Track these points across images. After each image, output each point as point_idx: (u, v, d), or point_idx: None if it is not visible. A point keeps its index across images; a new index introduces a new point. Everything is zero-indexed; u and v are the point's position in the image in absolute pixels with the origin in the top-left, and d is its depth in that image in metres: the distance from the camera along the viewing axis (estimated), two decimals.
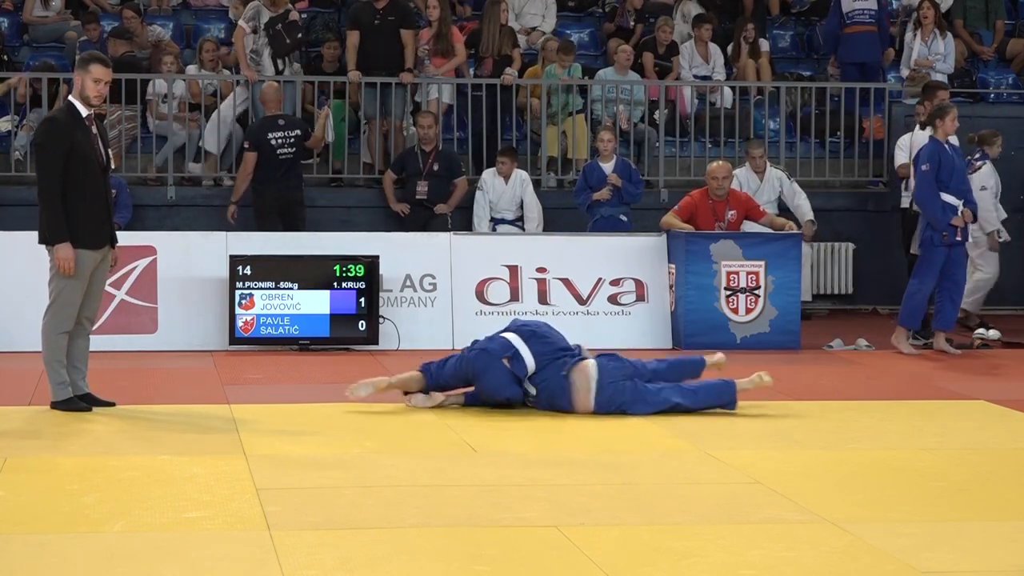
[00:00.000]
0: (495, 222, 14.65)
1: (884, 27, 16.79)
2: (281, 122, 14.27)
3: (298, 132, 14.21)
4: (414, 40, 15.20)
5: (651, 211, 14.71)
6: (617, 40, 16.70)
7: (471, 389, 9.56)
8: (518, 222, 14.67)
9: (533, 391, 9.40)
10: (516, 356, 9.29)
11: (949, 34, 16.87)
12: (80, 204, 9.14)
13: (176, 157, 15.17)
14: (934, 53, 16.59)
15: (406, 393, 9.64)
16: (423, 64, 15.48)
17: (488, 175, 14.73)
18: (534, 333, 9.42)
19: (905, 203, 14.67)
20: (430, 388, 9.55)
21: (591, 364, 9.37)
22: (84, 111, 9.20)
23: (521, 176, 14.71)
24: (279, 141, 14.22)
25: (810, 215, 14.36)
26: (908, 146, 14.78)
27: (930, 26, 16.62)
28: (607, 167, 14.13)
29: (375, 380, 9.62)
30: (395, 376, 9.72)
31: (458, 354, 9.59)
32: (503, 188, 14.64)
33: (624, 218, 14.01)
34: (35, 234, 9.34)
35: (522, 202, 14.68)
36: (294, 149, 14.17)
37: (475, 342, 9.56)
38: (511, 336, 9.39)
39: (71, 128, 9.13)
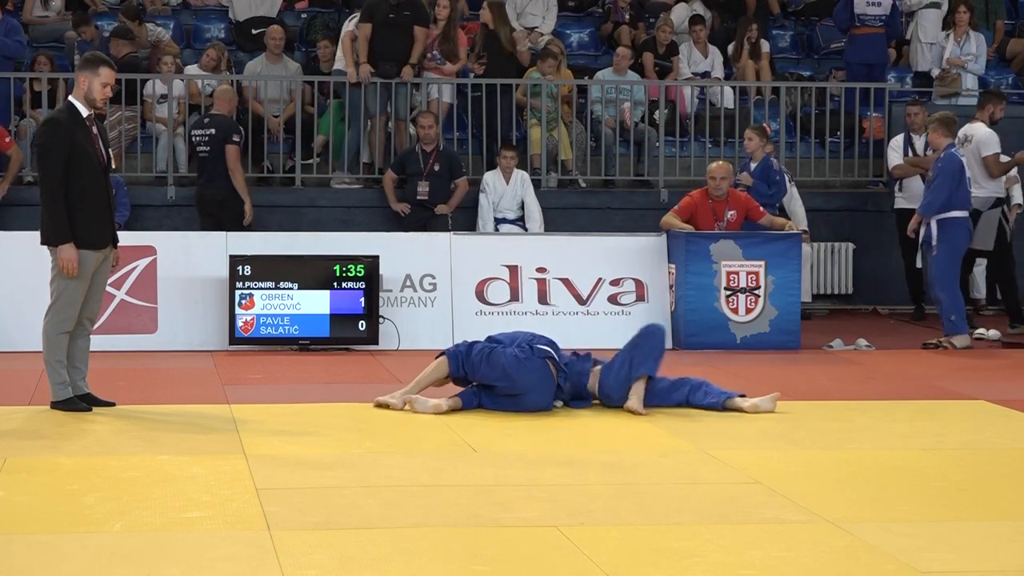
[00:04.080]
0: (497, 222, 14.64)
1: (894, 30, 16.80)
2: (207, 120, 14.22)
3: (213, 131, 14.01)
4: (425, 38, 15.20)
5: (651, 211, 14.71)
6: (625, 46, 16.61)
7: (466, 390, 9.54)
8: (519, 222, 14.67)
9: (559, 404, 9.57)
10: (558, 365, 9.45)
11: (981, 35, 16.90)
12: (82, 204, 9.14)
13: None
14: (966, 53, 16.62)
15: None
16: (434, 63, 15.46)
17: (490, 176, 14.72)
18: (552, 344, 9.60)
19: (900, 204, 14.72)
20: (453, 377, 9.51)
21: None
22: (85, 111, 9.20)
23: (522, 176, 14.71)
24: (197, 138, 14.21)
25: (804, 224, 14.34)
26: (901, 147, 14.82)
27: (964, 26, 16.64)
28: (752, 166, 14.20)
29: (401, 395, 9.54)
30: (418, 377, 9.62)
31: (485, 346, 9.47)
32: (504, 189, 14.64)
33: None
34: (36, 234, 9.34)
35: (523, 203, 14.67)
36: (209, 147, 14.03)
37: (500, 341, 9.52)
38: (550, 349, 9.49)
39: (72, 129, 9.13)
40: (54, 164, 9.08)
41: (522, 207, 14.67)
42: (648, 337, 9.60)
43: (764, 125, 14.97)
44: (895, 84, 16.73)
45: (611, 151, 15.75)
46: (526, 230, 14.54)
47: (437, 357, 9.60)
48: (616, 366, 9.54)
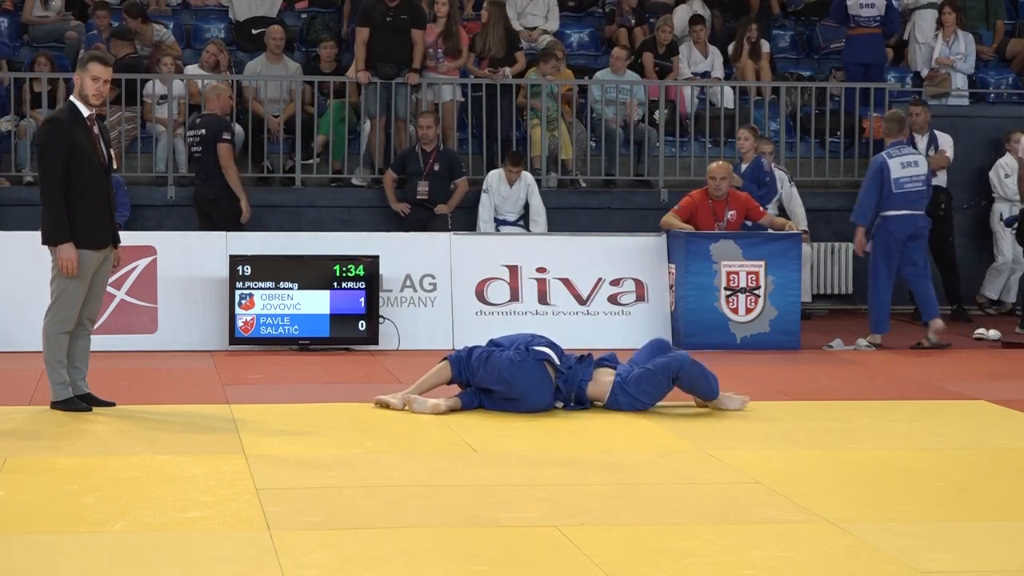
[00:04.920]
0: (497, 223, 14.63)
1: (892, 28, 16.81)
2: (199, 120, 14.24)
3: (204, 131, 14.00)
4: (423, 40, 15.19)
5: (651, 211, 14.71)
6: (621, 47, 16.57)
7: (466, 391, 9.54)
8: (520, 223, 14.65)
9: (560, 405, 9.56)
10: (556, 366, 9.44)
11: (969, 35, 16.92)
12: (82, 204, 9.15)
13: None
14: (955, 53, 16.63)
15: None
16: (435, 63, 15.45)
17: (493, 177, 14.68)
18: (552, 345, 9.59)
19: None
20: (455, 381, 9.53)
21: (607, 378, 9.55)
22: (85, 111, 9.20)
23: (527, 179, 14.68)
24: (190, 139, 14.25)
25: (804, 224, 14.34)
26: None
27: (951, 26, 16.66)
28: (743, 167, 14.21)
29: (402, 395, 9.56)
30: (421, 379, 9.64)
31: (484, 350, 9.48)
32: (508, 191, 14.61)
33: (748, 223, 13.55)
34: (36, 234, 9.34)
35: (526, 204, 14.64)
36: (202, 148, 14.02)
37: (500, 344, 9.53)
38: (547, 350, 9.47)
39: (72, 128, 9.13)
40: (54, 164, 9.08)
41: (524, 208, 14.65)
42: (691, 369, 9.55)
43: (754, 126, 14.97)
44: (895, 84, 16.73)
45: (612, 151, 15.74)
46: (527, 231, 14.54)
47: (440, 361, 9.61)
48: (633, 383, 9.52)
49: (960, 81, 16.72)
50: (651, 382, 9.48)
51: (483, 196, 14.59)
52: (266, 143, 15.41)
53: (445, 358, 9.60)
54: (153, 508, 6.77)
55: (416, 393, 9.52)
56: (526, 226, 14.62)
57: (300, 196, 15.18)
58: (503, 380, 9.34)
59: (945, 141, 15.11)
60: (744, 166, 14.25)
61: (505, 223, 14.62)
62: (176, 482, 7.34)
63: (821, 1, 18.28)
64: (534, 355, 9.39)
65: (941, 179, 15.12)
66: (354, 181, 15.25)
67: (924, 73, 16.82)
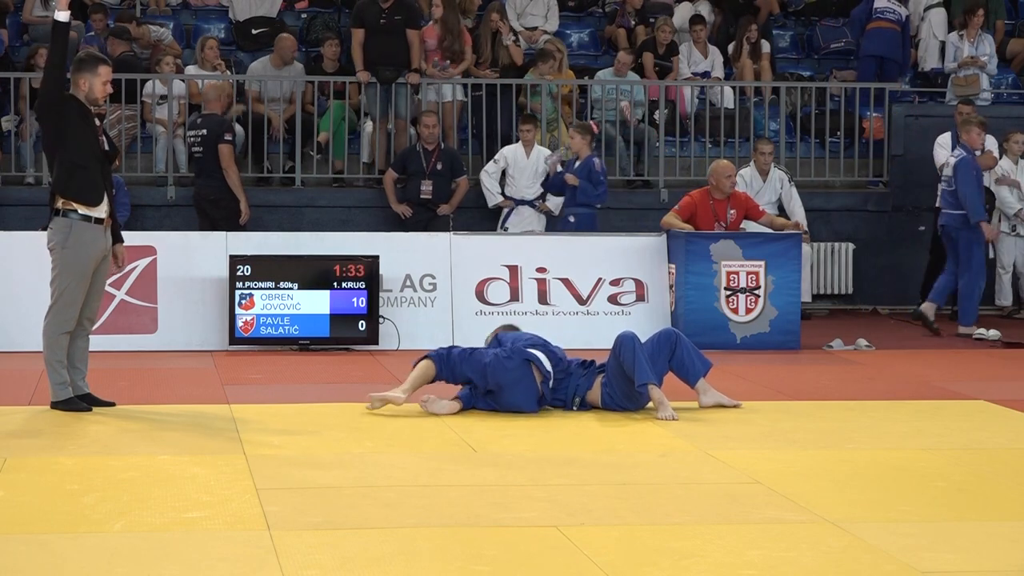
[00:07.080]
0: (516, 202, 14.59)
1: (908, 31, 16.83)
2: (199, 120, 14.25)
3: (204, 132, 14.01)
4: (420, 40, 15.20)
5: (651, 211, 14.72)
6: (626, 51, 16.53)
7: (463, 390, 9.51)
8: (536, 202, 14.62)
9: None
10: (542, 369, 9.38)
11: (988, 35, 16.93)
12: (82, 171, 9.05)
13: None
14: (981, 53, 16.64)
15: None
16: (439, 69, 15.46)
17: (509, 151, 14.65)
18: (547, 348, 9.53)
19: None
20: (440, 378, 9.46)
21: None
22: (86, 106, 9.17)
23: (545, 153, 14.68)
24: (190, 139, 14.26)
25: (803, 224, 14.33)
26: (949, 145, 14.69)
27: (976, 28, 16.64)
28: (576, 165, 14.17)
29: (391, 396, 9.49)
30: (407, 381, 9.56)
31: (468, 348, 9.47)
32: (525, 163, 14.58)
33: (572, 219, 13.94)
34: (36, 234, 9.36)
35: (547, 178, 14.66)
36: (202, 148, 14.03)
37: (501, 343, 9.51)
38: (537, 352, 9.42)
39: (73, 104, 9.10)
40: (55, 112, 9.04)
41: (542, 184, 14.61)
42: (627, 348, 9.39)
43: (591, 123, 14.83)
44: (895, 84, 16.72)
45: (612, 151, 15.74)
46: (540, 212, 14.52)
47: (417, 361, 9.53)
48: (611, 379, 9.49)
49: (985, 82, 16.72)
50: (617, 379, 9.45)
51: (490, 165, 14.56)
52: (266, 143, 15.41)
53: (425, 356, 9.50)
54: (153, 508, 6.77)
55: (409, 392, 9.42)
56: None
57: (300, 196, 15.19)
58: (483, 373, 9.30)
59: (991, 141, 15.09)
60: (577, 164, 14.19)
61: (523, 202, 14.57)
62: (176, 482, 7.34)
63: (821, 1, 18.28)
64: (521, 354, 9.34)
65: (985, 179, 15.09)
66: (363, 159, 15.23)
67: (948, 69, 16.75)
